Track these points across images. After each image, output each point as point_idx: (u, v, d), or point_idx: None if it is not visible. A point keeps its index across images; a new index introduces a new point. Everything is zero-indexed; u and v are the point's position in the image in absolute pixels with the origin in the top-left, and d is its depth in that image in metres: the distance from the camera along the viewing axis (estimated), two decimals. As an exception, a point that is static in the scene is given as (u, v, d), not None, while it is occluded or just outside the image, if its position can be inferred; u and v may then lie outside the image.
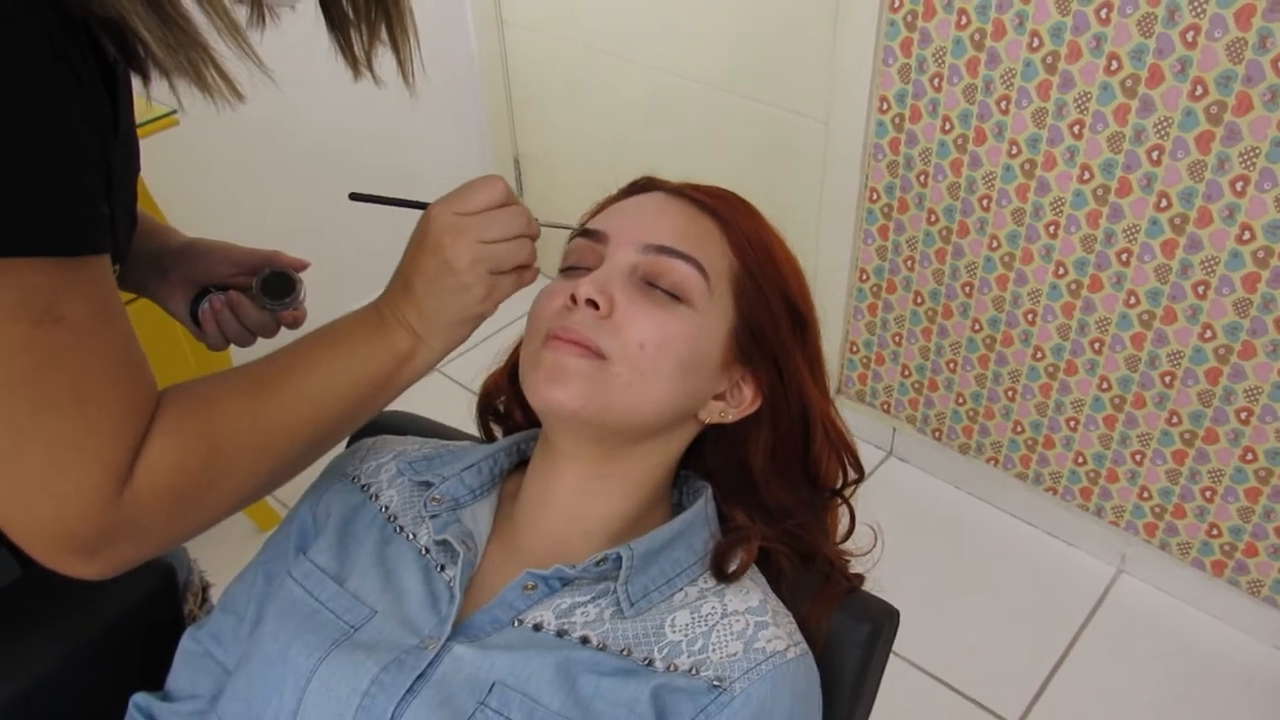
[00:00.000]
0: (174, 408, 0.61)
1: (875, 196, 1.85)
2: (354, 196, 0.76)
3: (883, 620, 0.81)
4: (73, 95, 0.55)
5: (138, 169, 0.76)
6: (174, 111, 1.52)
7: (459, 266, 0.68)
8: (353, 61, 0.70)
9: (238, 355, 0.90)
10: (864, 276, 1.97)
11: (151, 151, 0.98)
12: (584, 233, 0.79)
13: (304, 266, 0.94)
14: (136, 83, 0.68)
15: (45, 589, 0.85)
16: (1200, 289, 1.53)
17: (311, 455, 0.70)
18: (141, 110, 1.53)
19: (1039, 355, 1.79)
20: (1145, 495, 1.80)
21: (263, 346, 0.83)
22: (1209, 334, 1.56)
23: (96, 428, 0.57)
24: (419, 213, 0.72)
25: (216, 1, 0.57)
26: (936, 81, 1.65)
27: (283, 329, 0.94)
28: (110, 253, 0.59)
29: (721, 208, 0.79)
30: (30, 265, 0.53)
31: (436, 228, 0.69)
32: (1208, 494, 1.71)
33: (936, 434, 2.05)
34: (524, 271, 0.72)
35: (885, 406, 2.10)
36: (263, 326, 0.93)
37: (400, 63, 0.71)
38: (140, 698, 0.79)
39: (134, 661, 0.92)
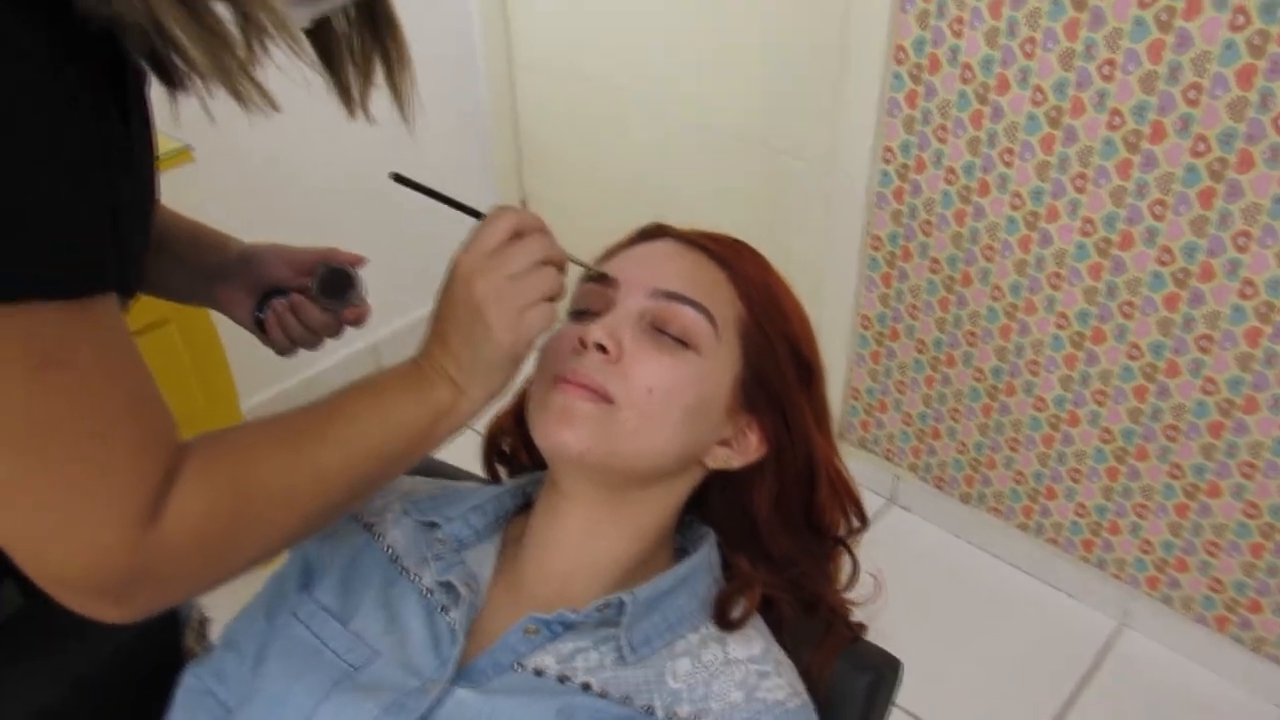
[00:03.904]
0: (204, 453, 0.60)
1: (878, 244, 1.86)
2: (395, 177, 0.72)
3: (885, 670, 0.80)
4: (75, 124, 0.53)
5: (155, 199, 0.74)
6: (188, 147, 1.53)
7: (486, 309, 0.66)
8: (348, 101, 0.69)
9: (294, 369, 0.88)
10: (866, 324, 1.97)
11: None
12: (595, 277, 0.80)
13: (360, 262, 0.90)
14: (162, 103, 0.66)
15: (44, 623, 0.85)
16: (1203, 343, 1.54)
17: (342, 509, 0.67)
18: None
19: (1041, 405, 1.79)
20: (1147, 548, 1.79)
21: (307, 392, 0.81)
22: (1212, 388, 1.56)
23: (111, 470, 0.56)
24: (437, 241, 0.70)
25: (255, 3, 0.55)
26: (941, 134, 1.67)
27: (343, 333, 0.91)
28: (118, 290, 0.57)
29: (730, 256, 0.80)
30: (31, 310, 0.52)
31: (464, 274, 0.67)
32: (1210, 548, 1.70)
33: (938, 482, 2.04)
34: (552, 303, 0.70)
35: (887, 454, 2.10)
36: (326, 327, 0.91)
37: (399, 102, 0.70)
38: (137, 736, 0.79)
39: (133, 698, 0.91)
